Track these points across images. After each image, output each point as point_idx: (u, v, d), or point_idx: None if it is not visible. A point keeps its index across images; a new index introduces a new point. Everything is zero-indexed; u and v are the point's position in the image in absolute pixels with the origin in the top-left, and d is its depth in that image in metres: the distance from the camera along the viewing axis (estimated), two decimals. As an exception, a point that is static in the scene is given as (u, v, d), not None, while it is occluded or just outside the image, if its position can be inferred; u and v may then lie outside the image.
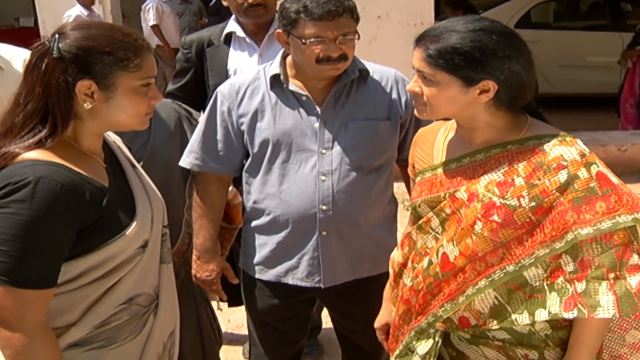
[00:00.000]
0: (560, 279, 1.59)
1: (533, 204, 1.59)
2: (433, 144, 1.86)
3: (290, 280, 2.31)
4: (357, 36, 2.13)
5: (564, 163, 1.60)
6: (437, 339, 1.79)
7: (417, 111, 1.75)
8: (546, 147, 1.63)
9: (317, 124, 2.20)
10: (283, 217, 2.24)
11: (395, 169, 2.39)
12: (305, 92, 2.20)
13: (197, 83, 3.11)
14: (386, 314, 2.08)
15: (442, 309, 1.72)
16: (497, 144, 1.69)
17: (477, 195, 1.66)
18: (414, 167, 1.93)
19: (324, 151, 2.20)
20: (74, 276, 1.55)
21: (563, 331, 1.68)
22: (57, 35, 1.54)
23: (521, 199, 1.60)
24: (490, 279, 1.64)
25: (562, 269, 1.60)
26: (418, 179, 1.86)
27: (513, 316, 1.63)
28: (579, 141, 1.65)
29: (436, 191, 1.77)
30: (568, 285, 1.58)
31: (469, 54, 1.59)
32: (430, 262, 1.76)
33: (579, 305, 1.56)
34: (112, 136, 1.83)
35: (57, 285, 1.52)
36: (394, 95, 2.28)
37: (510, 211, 1.61)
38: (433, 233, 1.77)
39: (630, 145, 6.33)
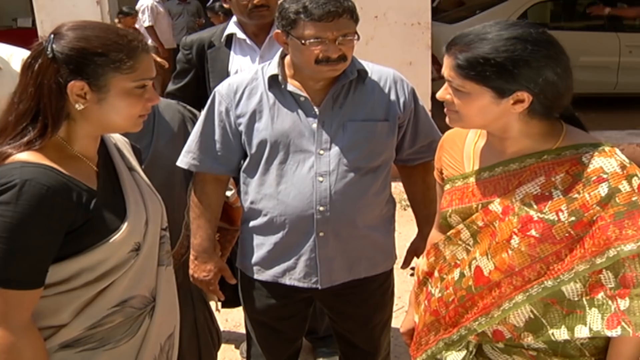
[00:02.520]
0: (601, 295, 1.54)
1: (573, 218, 1.54)
2: (462, 149, 1.79)
3: (287, 280, 2.31)
4: (356, 37, 2.13)
5: (604, 176, 1.53)
6: (471, 348, 1.75)
7: (448, 119, 1.67)
8: (584, 158, 1.57)
9: (315, 125, 2.20)
10: (280, 217, 2.24)
11: (392, 168, 2.39)
12: (303, 93, 2.20)
13: (197, 84, 3.12)
14: (411, 318, 2.03)
15: (477, 322, 1.67)
16: (532, 154, 1.62)
17: (513, 209, 1.61)
18: (441, 173, 1.87)
19: (321, 152, 2.20)
20: (65, 278, 1.55)
21: (598, 340, 1.63)
22: (52, 36, 1.55)
23: (560, 214, 1.55)
24: (527, 294, 1.59)
25: (603, 284, 1.54)
26: (448, 186, 1.79)
27: (550, 331, 1.59)
28: (618, 151, 1.59)
29: (467, 201, 1.71)
30: (610, 302, 1.53)
31: (500, 65, 1.50)
32: (462, 275, 1.71)
33: (623, 323, 1.51)
34: (114, 138, 1.82)
35: (47, 286, 1.53)
36: (392, 96, 2.28)
37: (548, 226, 1.56)
38: (463, 245, 1.72)
39: (627, 145, 6.35)
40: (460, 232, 1.72)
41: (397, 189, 2.55)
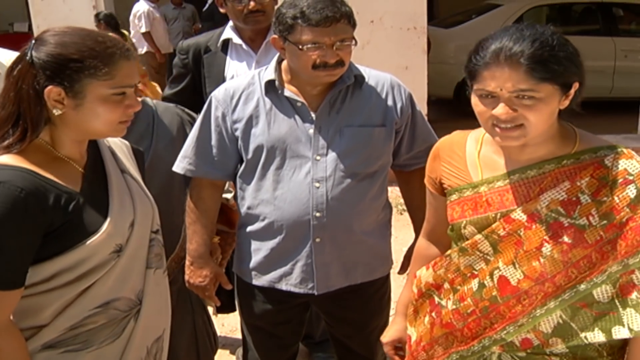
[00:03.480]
0: (635, 295, 1.53)
1: (604, 221, 1.54)
2: (464, 158, 1.76)
3: (283, 286, 2.31)
4: (353, 42, 2.13)
5: (630, 177, 1.54)
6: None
7: (505, 139, 1.57)
8: (607, 161, 1.57)
9: (311, 130, 2.20)
10: (277, 223, 2.24)
11: (389, 173, 2.39)
12: (300, 98, 2.20)
13: (193, 89, 3.12)
14: (400, 328, 2.01)
15: (504, 332, 1.64)
16: (550, 160, 1.61)
17: (539, 216, 1.59)
18: (441, 184, 1.83)
19: (318, 157, 2.20)
20: (46, 278, 1.57)
21: (614, 340, 1.60)
22: (33, 42, 1.57)
23: (591, 218, 1.55)
24: (560, 299, 1.57)
25: (635, 284, 1.54)
26: (454, 197, 1.75)
27: (582, 334, 1.57)
28: (634, 153, 1.60)
29: (483, 211, 1.67)
30: None
31: (566, 58, 1.52)
32: (482, 285, 1.68)
33: None
34: (109, 141, 1.82)
35: (28, 287, 1.55)
36: (390, 101, 2.28)
37: (580, 231, 1.55)
38: (481, 255, 1.69)
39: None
40: (478, 242, 1.68)
41: (394, 193, 2.55)
